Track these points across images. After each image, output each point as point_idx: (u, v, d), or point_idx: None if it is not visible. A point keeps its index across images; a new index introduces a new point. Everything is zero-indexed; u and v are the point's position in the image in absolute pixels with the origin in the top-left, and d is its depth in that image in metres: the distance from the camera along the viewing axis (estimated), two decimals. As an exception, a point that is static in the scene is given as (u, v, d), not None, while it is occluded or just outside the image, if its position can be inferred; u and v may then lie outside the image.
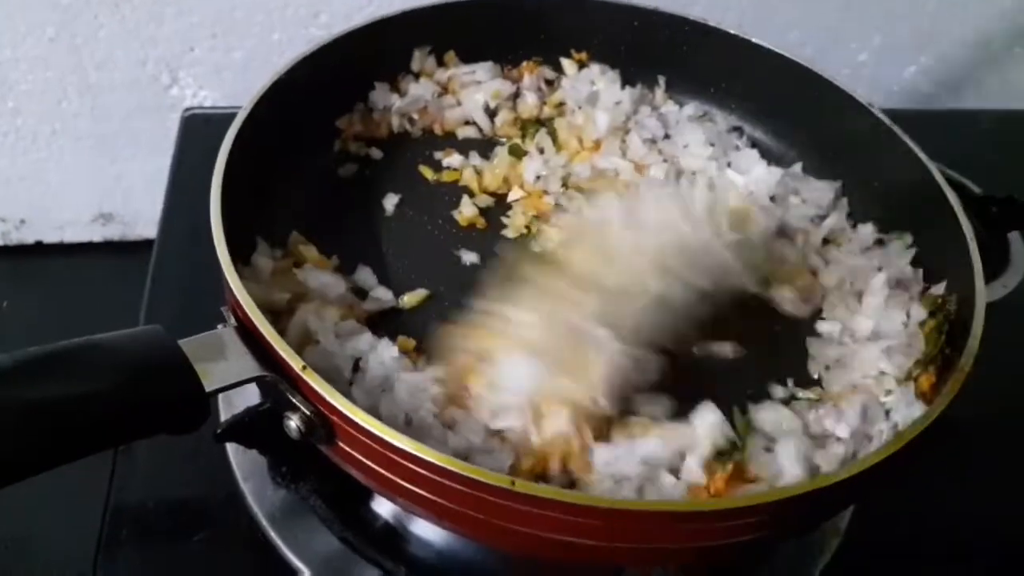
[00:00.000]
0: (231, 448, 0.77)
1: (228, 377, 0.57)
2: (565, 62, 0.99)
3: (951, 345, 0.70)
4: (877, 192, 0.88)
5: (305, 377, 0.56)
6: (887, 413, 0.70)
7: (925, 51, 1.33)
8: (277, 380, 0.58)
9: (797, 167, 0.92)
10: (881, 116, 0.85)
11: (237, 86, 1.18)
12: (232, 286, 0.61)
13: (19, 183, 1.24)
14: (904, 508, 0.80)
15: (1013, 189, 1.07)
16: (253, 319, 0.59)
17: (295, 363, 0.57)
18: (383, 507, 0.74)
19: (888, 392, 0.71)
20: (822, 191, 0.89)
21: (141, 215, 1.31)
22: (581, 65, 0.99)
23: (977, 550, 0.82)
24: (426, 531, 0.73)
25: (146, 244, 1.31)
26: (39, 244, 1.33)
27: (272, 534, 0.73)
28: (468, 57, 0.96)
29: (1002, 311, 0.91)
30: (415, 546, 0.73)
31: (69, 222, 1.31)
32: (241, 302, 0.60)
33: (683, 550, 0.57)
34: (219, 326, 0.62)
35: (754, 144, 0.96)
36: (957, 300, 0.73)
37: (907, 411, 0.67)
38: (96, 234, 1.33)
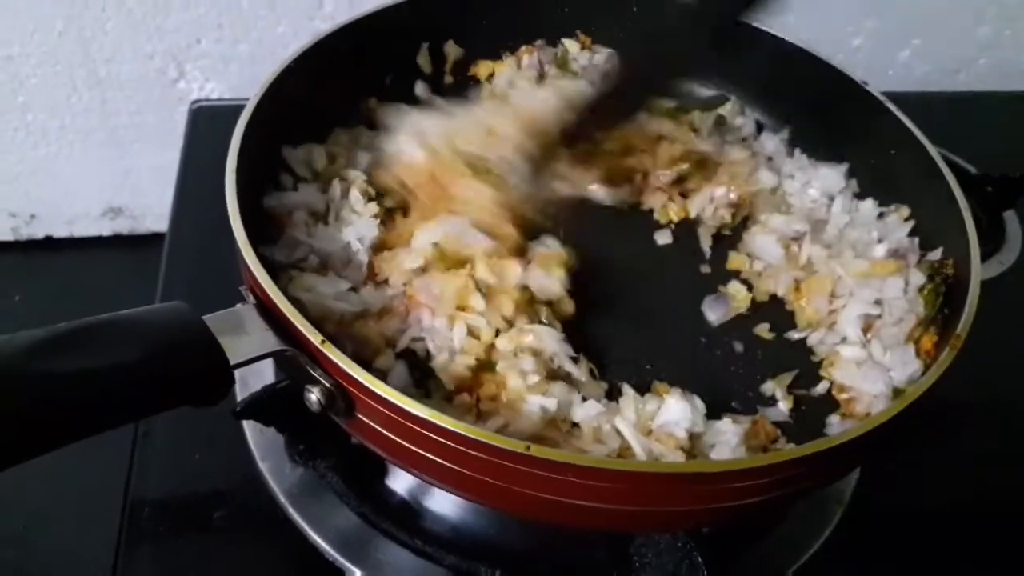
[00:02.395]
0: (248, 429, 0.79)
1: (250, 351, 0.59)
2: (568, 42, 1.00)
3: (949, 307, 0.72)
4: (875, 172, 0.90)
5: (324, 350, 0.58)
6: (889, 373, 0.72)
7: (918, 35, 1.35)
8: (297, 354, 0.60)
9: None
10: (880, 97, 0.87)
11: (243, 78, 1.19)
12: (251, 265, 0.63)
13: (29, 178, 1.26)
14: (904, 477, 0.82)
15: (1006, 170, 1.09)
16: (272, 297, 0.61)
17: (314, 337, 0.59)
18: (399, 482, 0.76)
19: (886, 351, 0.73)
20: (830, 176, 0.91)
21: (150, 209, 1.33)
22: (583, 47, 1.00)
23: (977, 519, 0.83)
24: (441, 505, 0.75)
25: (155, 238, 1.33)
26: (49, 239, 1.34)
27: (291, 511, 0.75)
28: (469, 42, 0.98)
29: (1001, 287, 0.94)
30: (430, 520, 0.75)
31: (79, 216, 1.32)
32: (260, 281, 0.62)
33: (698, 511, 0.59)
34: (238, 305, 0.64)
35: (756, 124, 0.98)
36: (954, 263, 0.76)
37: (904, 370, 0.70)
38: (105, 228, 1.35)
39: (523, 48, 0.99)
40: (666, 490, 0.57)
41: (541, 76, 0.97)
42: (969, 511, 0.83)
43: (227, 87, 1.20)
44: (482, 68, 0.99)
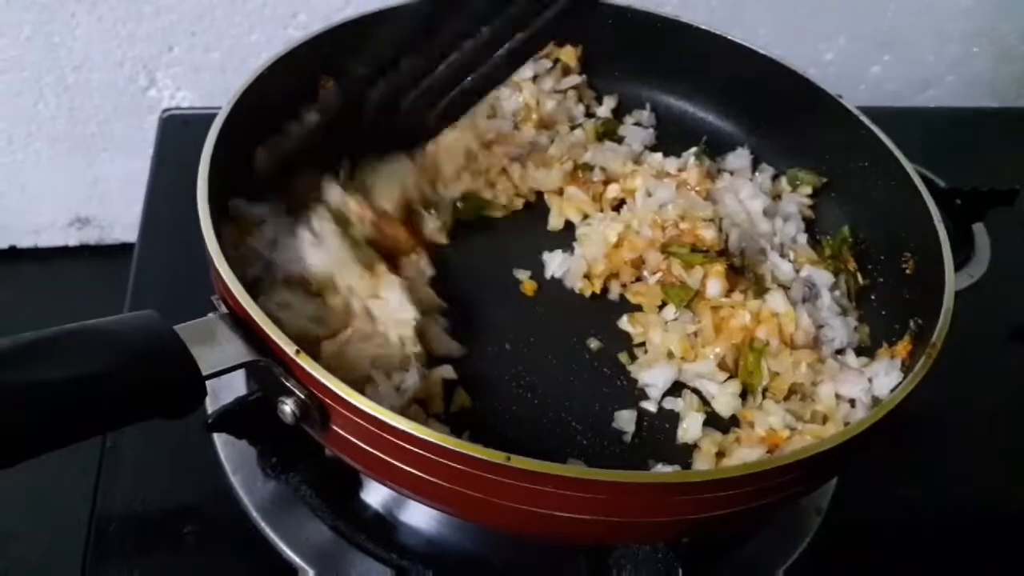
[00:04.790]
0: (219, 441, 0.77)
1: (223, 361, 0.58)
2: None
3: (922, 317, 0.73)
4: (847, 184, 0.91)
5: (299, 361, 0.57)
6: (870, 381, 0.72)
7: (888, 50, 1.37)
8: (270, 364, 0.59)
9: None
10: (854, 110, 0.88)
11: (215, 87, 1.18)
12: (224, 276, 0.62)
13: (-7, 187, 1.23)
14: (881, 486, 0.83)
15: (973, 184, 1.11)
16: (246, 307, 0.60)
17: (288, 348, 0.58)
18: (373, 496, 0.75)
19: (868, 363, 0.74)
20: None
21: (118, 219, 1.30)
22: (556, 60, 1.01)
23: (952, 528, 0.84)
24: (416, 518, 0.74)
25: (123, 248, 1.31)
26: (13, 249, 1.31)
27: (263, 525, 0.73)
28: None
29: (971, 298, 0.95)
30: (405, 533, 0.74)
31: (45, 226, 1.30)
32: (233, 290, 0.61)
33: (679, 521, 0.58)
34: (209, 314, 0.63)
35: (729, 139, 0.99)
36: (915, 263, 0.79)
37: (887, 379, 0.71)
38: (72, 238, 1.32)
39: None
40: (646, 500, 0.56)
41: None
42: (944, 518, 0.84)
43: (198, 95, 1.19)
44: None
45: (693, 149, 0.96)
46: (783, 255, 0.87)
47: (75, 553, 0.72)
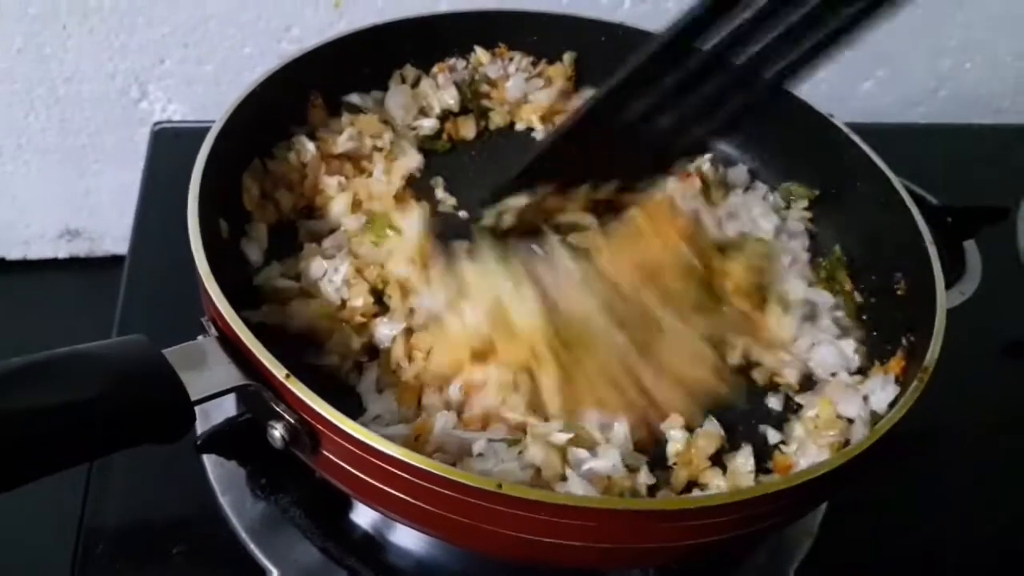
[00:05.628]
0: (209, 462, 0.77)
1: (212, 386, 0.57)
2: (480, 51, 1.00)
3: (914, 333, 0.73)
4: (838, 203, 0.91)
5: (289, 385, 0.57)
6: (865, 398, 0.73)
7: (880, 66, 1.38)
8: (260, 389, 0.59)
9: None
10: (844, 128, 0.88)
11: (207, 100, 1.17)
12: (213, 297, 0.61)
13: (-17, 198, 1.23)
14: (874, 508, 0.82)
15: (965, 201, 1.11)
16: (236, 329, 0.59)
17: (278, 372, 0.57)
18: (363, 517, 0.75)
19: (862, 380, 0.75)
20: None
21: (108, 231, 1.30)
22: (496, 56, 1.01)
23: (944, 550, 0.84)
24: (405, 540, 0.74)
25: (112, 260, 1.30)
26: (2, 261, 1.31)
27: (252, 546, 0.72)
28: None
29: (962, 316, 0.95)
30: (395, 555, 0.73)
31: (34, 238, 1.29)
32: (223, 313, 0.60)
33: (671, 547, 0.58)
34: (199, 337, 0.63)
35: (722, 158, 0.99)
36: (907, 284, 0.79)
37: (883, 394, 0.72)
38: (62, 250, 1.31)
39: (436, 66, 0.98)
40: (636, 527, 0.56)
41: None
42: (936, 538, 0.84)
43: (190, 108, 1.19)
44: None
45: (708, 156, 0.96)
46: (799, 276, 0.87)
47: (62, 573, 0.71)
